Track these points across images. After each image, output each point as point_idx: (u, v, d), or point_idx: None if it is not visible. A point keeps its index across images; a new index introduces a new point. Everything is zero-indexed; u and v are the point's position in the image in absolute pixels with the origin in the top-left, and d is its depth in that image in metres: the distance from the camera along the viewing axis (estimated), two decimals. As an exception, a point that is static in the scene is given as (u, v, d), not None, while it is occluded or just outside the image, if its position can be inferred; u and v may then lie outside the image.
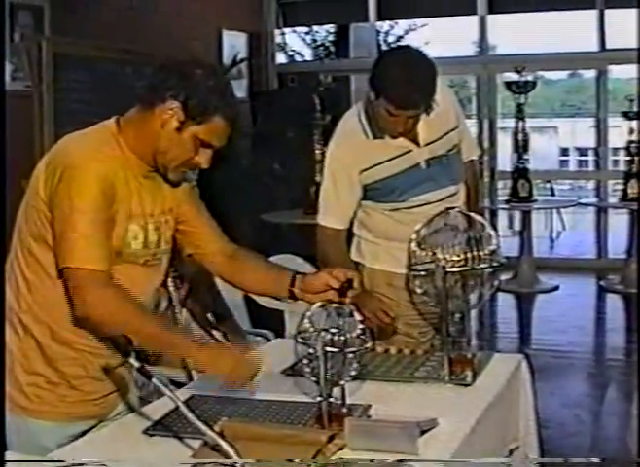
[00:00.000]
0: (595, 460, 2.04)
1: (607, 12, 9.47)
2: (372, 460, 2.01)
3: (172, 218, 2.59)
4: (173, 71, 2.40)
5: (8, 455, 2.15)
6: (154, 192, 2.51)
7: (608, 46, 9.58)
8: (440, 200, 3.35)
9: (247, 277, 2.77)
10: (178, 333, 2.54)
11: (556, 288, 8.82)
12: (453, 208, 2.94)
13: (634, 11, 8.60)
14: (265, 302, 4.14)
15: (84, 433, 2.48)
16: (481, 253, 2.79)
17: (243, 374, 2.37)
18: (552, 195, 12.68)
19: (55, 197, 2.32)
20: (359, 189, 3.38)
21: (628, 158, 8.90)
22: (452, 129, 3.41)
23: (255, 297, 3.91)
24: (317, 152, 7.55)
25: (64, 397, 2.49)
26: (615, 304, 8.55)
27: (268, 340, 4.31)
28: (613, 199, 9.87)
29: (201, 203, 2.74)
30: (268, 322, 4.61)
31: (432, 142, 3.35)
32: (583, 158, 16.46)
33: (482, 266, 2.79)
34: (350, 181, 3.36)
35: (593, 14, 9.53)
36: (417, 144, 3.33)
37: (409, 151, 3.33)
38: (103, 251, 2.33)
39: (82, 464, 1.99)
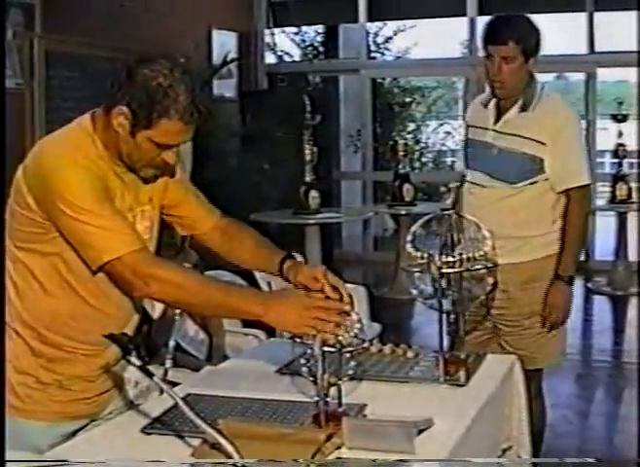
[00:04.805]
0: (590, 460, 2.04)
1: (596, 15, 9.51)
2: (374, 460, 2.02)
3: (152, 207, 2.57)
4: (121, 74, 2.35)
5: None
6: (134, 184, 2.49)
7: (597, 49, 9.61)
8: (476, 185, 3.70)
9: (239, 253, 2.77)
10: (241, 296, 2.43)
11: (544, 289, 8.82)
12: (448, 209, 2.95)
13: (624, 14, 8.65)
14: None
15: (75, 432, 2.49)
16: (476, 254, 2.81)
17: (320, 325, 2.30)
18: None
19: (50, 205, 2.30)
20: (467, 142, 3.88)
21: (617, 160, 8.94)
22: (534, 140, 3.56)
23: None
24: (307, 152, 7.55)
25: (55, 397, 2.49)
26: (602, 305, 8.58)
27: (260, 339, 4.31)
28: (600, 202, 9.89)
29: (189, 184, 2.74)
30: (259, 321, 4.60)
31: (503, 133, 3.63)
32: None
33: (477, 266, 2.80)
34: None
35: (583, 16, 9.56)
36: (494, 127, 3.67)
37: (486, 128, 3.70)
38: (130, 231, 2.35)
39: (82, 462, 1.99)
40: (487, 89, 3.76)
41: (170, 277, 2.32)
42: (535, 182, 3.59)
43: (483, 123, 3.72)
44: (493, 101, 3.69)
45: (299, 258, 2.85)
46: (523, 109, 3.60)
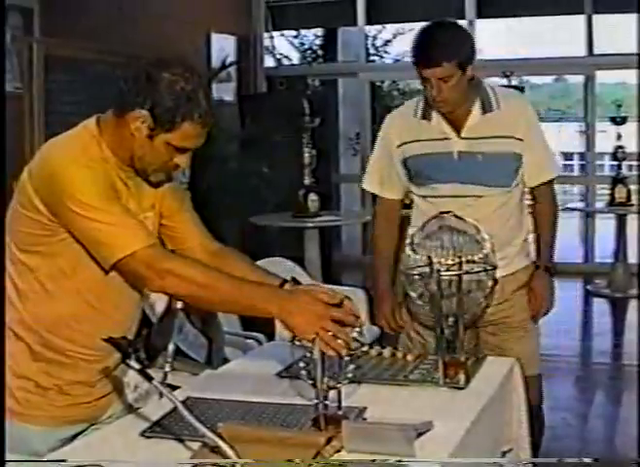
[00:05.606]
0: (587, 460, 2.04)
1: (595, 17, 9.52)
2: (373, 460, 2.01)
3: (154, 214, 2.57)
4: (140, 77, 2.35)
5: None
6: (137, 191, 2.49)
7: (596, 51, 9.62)
8: (469, 197, 3.40)
9: (234, 274, 2.58)
10: (256, 292, 2.38)
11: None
12: (447, 212, 2.95)
13: (623, 16, 8.66)
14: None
15: (75, 436, 2.48)
16: (475, 257, 2.81)
17: (327, 337, 2.26)
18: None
19: (59, 206, 2.30)
20: (398, 162, 3.54)
21: (616, 163, 8.96)
22: (513, 137, 3.41)
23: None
24: (305, 155, 7.55)
25: (54, 401, 2.48)
26: (601, 308, 8.60)
27: (259, 343, 4.32)
28: (599, 204, 9.91)
29: (186, 198, 2.72)
30: (259, 325, 4.61)
31: (476, 138, 3.40)
32: (568, 162, 16.51)
33: (476, 269, 2.80)
34: (389, 151, 3.57)
35: (581, 19, 9.57)
36: (459, 135, 3.42)
37: (447, 138, 3.42)
38: (141, 226, 2.36)
39: (80, 466, 1.99)
40: (418, 102, 3.52)
41: (185, 272, 2.32)
42: (517, 184, 3.50)
43: (438, 135, 3.44)
44: (434, 113, 3.44)
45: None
46: (485, 111, 3.42)
